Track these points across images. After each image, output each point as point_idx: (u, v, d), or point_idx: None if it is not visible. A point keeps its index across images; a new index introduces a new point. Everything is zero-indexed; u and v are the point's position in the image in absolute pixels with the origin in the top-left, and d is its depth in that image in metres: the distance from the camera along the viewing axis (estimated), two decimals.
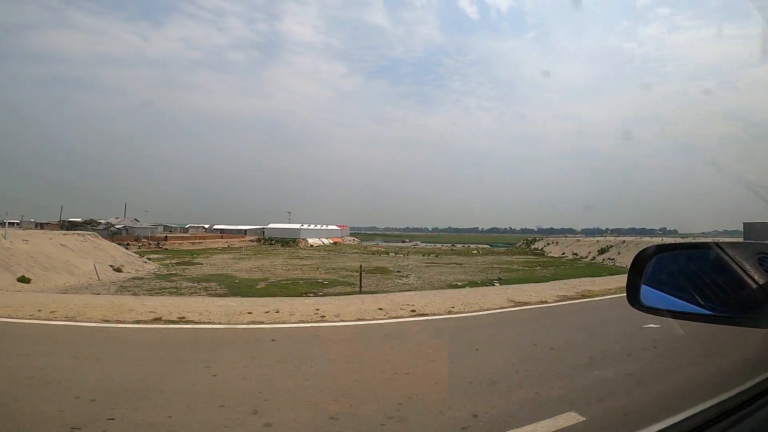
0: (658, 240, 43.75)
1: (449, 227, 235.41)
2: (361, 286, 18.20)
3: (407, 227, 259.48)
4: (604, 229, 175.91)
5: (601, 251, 43.07)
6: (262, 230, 77.37)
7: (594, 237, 64.81)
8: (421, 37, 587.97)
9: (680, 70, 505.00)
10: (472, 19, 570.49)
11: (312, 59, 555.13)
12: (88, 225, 50.42)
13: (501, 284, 18.93)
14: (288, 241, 66.65)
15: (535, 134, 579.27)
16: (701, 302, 1.16)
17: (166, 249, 48.31)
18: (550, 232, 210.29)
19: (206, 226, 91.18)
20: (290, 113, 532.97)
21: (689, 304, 1.19)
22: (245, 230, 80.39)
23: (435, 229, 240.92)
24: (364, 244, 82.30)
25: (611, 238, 51.90)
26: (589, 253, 45.22)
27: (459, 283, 21.26)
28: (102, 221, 56.28)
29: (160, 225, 67.17)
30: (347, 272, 27.17)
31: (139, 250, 42.19)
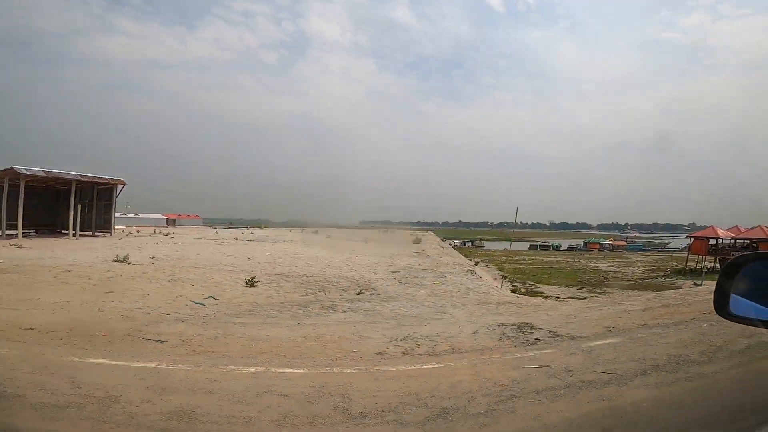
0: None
1: (459, 221, 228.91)
2: None
3: (418, 221, 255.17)
4: (623, 224, 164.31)
5: None
6: None
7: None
8: (449, 31, 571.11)
9: (731, 61, 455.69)
10: (499, 12, 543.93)
11: (341, 57, 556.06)
12: None
13: None
14: None
15: (571, 127, 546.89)
16: None
17: None
18: (563, 227, 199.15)
19: None
20: (322, 111, 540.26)
21: None
22: None
23: (445, 223, 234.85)
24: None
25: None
26: None
27: None
28: None
29: None
30: None
31: None
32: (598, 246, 67.75)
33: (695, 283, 20.71)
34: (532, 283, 25.58)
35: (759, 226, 27.19)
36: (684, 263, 30.54)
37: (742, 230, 28.96)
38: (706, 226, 32.71)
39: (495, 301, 9.63)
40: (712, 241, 29.15)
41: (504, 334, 5.75)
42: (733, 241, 28.37)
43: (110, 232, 25.69)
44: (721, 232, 28.48)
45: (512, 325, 6.30)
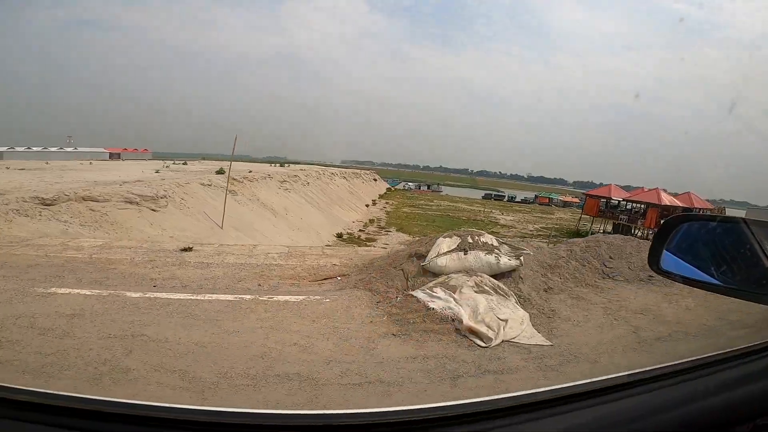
0: None
1: (440, 166, 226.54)
2: None
3: (399, 163, 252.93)
4: (598, 183, 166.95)
5: None
6: None
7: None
8: None
9: (738, 38, 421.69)
10: None
11: None
12: None
13: None
14: None
15: (560, 85, 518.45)
16: (714, 273, 1.17)
17: None
18: (540, 180, 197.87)
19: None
20: (309, 52, 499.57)
21: (703, 274, 1.21)
22: None
23: (426, 167, 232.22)
24: None
25: None
26: None
27: None
28: None
29: None
30: None
31: None
32: (547, 200, 66.18)
33: (543, 245, 18.78)
34: (391, 229, 23.50)
35: (656, 188, 24.69)
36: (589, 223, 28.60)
37: (646, 191, 26.53)
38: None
39: None
40: (611, 202, 26.81)
41: None
42: (625, 203, 26.01)
43: None
44: (616, 192, 26.00)
45: None
